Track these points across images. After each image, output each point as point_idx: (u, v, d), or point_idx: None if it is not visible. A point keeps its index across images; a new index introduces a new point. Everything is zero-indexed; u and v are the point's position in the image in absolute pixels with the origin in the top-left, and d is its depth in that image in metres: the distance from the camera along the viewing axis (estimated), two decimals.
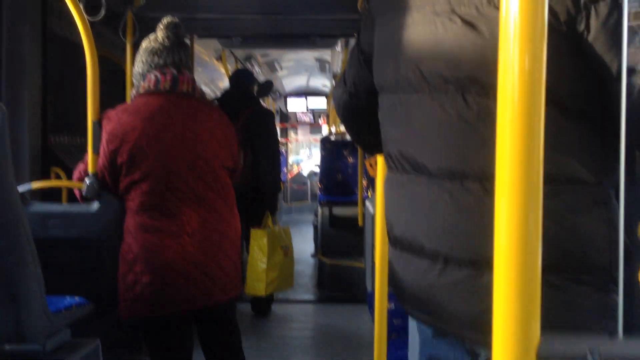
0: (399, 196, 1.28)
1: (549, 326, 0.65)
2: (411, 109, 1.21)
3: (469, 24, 1.08)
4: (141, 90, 2.38)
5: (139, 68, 2.42)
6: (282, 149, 12.08)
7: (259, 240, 4.36)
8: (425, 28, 1.16)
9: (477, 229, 1.08)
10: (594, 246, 1.06)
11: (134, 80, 2.46)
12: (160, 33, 2.39)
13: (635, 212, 0.95)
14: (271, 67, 8.59)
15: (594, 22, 1.01)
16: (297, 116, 12.79)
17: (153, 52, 2.38)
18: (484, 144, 1.06)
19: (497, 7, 1.03)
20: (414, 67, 1.19)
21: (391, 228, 1.33)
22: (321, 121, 12.90)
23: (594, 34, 1.01)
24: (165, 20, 2.40)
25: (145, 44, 2.42)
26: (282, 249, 4.49)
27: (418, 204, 1.20)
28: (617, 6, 0.99)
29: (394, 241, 1.31)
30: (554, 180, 1.04)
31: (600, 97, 1.05)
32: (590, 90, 1.05)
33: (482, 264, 1.07)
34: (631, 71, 0.99)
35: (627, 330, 0.76)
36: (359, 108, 1.50)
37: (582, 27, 1.01)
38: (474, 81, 1.08)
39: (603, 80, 1.04)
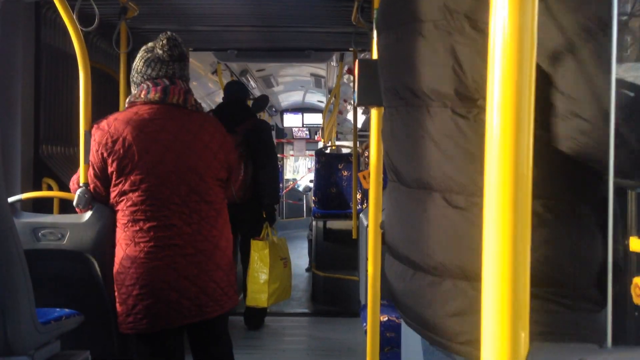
0: (390, 204, 1.38)
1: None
2: (394, 121, 1.30)
3: (439, 42, 1.12)
4: (132, 99, 2.38)
5: (135, 77, 2.41)
6: (279, 164, 12.03)
7: (260, 252, 4.34)
8: (404, 45, 1.22)
9: (440, 238, 1.14)
10: (577, 265, 1.05)
11: (132, 87, 2.45)
12: (158, 47, 2.36)
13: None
14: (267, 82, 8.61)
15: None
16: (293, 132, 12.90)
17: (148, 64, 2.37)
18: (448, 158, 1.11)
19: (475, 29, 1.05)
20: (394, 82, 1.28)
21: (384, 234, 1.43)
22: (317, 137, 12.97)
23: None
24: (164, 36, 2.37)
25: (142, 54, 2.41)
26: (282, 260, 4.48)
27: (399, 212, 1.30)
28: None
29: (387, 247, 1.40)
30: (539, 198, 1.04)
31: None
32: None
33: (443, 272, 1.13)
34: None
35: (616, 341, 0.76)
36: None
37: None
38: (437, 95, 1.12)
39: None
